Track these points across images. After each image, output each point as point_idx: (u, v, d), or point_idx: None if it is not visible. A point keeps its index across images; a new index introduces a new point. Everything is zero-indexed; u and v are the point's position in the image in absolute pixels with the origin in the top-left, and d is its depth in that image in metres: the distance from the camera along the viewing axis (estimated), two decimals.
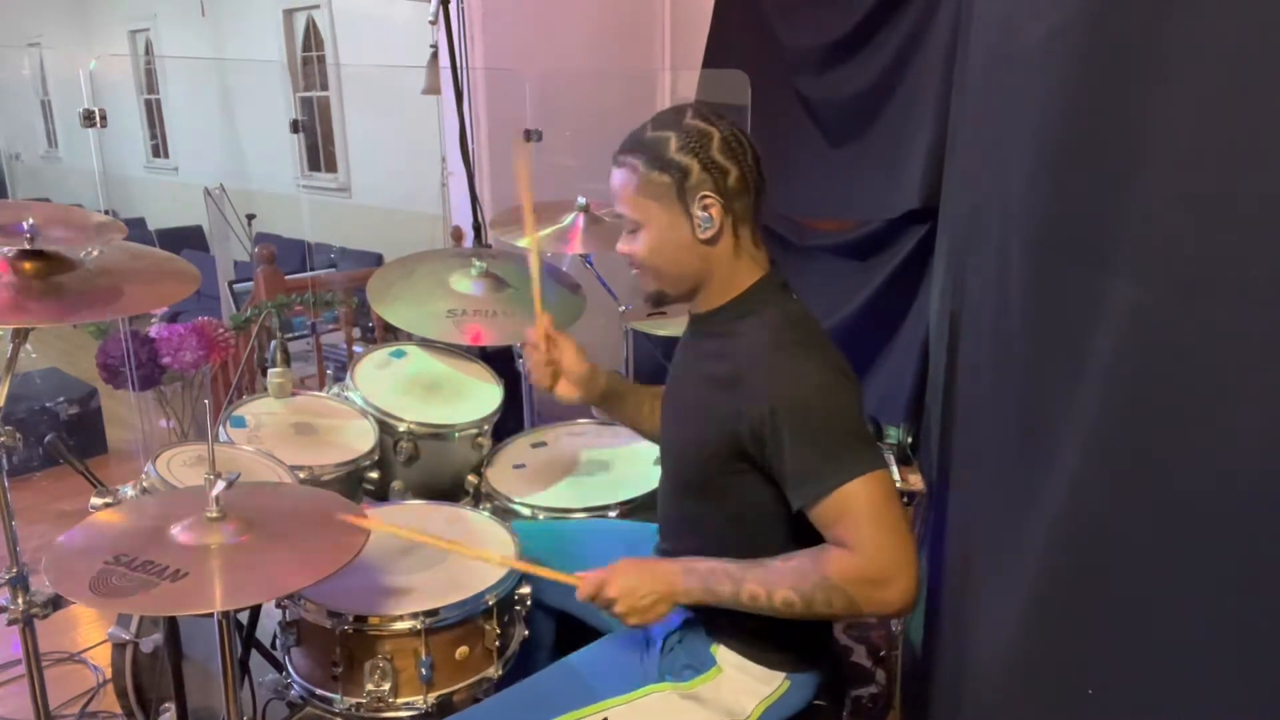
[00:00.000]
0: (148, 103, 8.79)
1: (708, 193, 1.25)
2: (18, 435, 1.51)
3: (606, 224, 2.34)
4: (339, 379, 2.18)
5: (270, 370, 2.03)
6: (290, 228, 6.37)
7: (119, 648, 1.80)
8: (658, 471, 1.53)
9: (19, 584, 1.51)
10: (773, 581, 1.21)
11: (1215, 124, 0.69)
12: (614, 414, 1.66)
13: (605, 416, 1.70)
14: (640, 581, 1.27)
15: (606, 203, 2.39)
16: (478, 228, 2.62)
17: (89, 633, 2.55)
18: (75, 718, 2.22)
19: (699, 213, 1.25)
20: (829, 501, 1.18)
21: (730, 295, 1.32)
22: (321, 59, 6.66)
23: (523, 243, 1.41)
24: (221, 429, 1.88)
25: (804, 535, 1.25)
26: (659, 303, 1.38)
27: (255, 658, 1.69)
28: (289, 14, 6.76)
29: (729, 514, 1.33)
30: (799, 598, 1.19)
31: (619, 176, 1.30)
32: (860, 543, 1.16)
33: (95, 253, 1.50)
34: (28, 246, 1.41)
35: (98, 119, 2.38)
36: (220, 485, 1.22)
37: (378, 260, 5.63)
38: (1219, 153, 0.69)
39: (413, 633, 1.41)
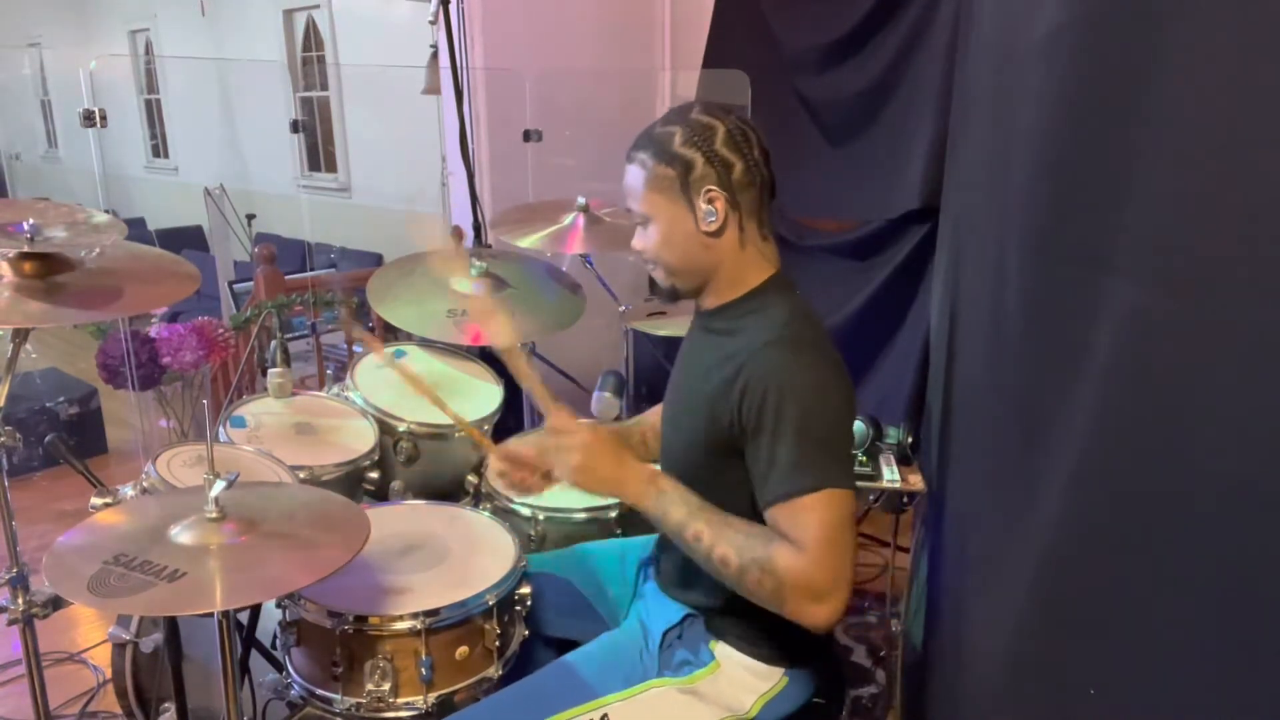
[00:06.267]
0: (148, 103, 8.79)
1: (711, 186, 1.26)
2: (18, 435, 1.51)
3: (606, 224, 2.34)
4: (339, 379, 2.18)
5: (270, 370, 2.04)
6: (290, 228, 6.36)
7: (119, 648, 1.80)
8: None
9: (19, 584, 1.51)
10: (721, 535, 1.21)
11: (1215, 124, 0.69)
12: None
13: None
14: (603, 472, 1.30)
15: (607, 202, 2.40)
16: (478, 228, 2.62)
17: (89, 633, 2.55)
18: (75, 718, 2.23)
19: (703, 205, 1.27)
20: (790, 505, 1.18)
21: (739, 291, 1.33)
22: (321, 59, 6.66)
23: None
24: (221, 429, 1.88)
25: None
26: (673, 298, 1.39)
27: (255, 658, 1.69)
28: (289, 14, 6.76)
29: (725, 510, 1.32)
30: (736, 562, 1.20)
31: (630, 173, 1.32)
32: (810, 552, 1.16)
33: (96, 252, 1.50)
34: (27, 249, 1.41)
35: (98, 119, 2.39)
36: (220, 485, 1.22)
37: (378, 260, 5.63)
38: (1218, 153, 0.69)
39: (413, 633, 1.41)
